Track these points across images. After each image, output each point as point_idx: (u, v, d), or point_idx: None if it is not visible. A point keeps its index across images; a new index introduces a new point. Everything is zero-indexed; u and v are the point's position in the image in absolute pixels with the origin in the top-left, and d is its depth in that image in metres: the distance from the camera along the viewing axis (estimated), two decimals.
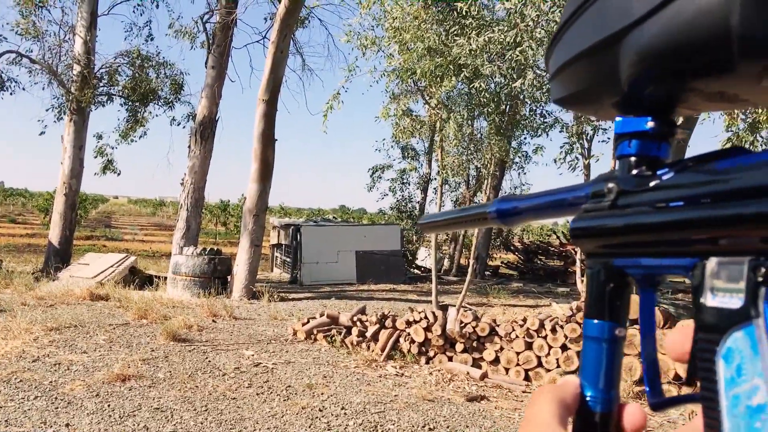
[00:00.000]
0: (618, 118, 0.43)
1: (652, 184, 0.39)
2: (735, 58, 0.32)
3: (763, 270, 0.31)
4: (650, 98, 0.40)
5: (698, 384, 0.35)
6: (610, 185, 0.42)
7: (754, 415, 0.30)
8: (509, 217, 0.52)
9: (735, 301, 0.32)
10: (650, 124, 0.40)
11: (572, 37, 0.43)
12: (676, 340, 0.38)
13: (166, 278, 11.75)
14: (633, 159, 0.41)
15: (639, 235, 0.39)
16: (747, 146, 6.87)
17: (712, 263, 0.34)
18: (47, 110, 15.05)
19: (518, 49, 7.72)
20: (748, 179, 0.32)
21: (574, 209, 0.45)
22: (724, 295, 0.33)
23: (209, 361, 6.35)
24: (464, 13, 8.14)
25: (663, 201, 0.37)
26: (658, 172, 0.40)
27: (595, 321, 0.42)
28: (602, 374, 0.41)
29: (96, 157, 16.71)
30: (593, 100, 0.44)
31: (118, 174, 17.25)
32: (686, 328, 0.38)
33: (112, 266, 12.03)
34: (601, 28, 0.39)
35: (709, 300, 0.34)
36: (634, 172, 0.41)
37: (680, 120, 0.43)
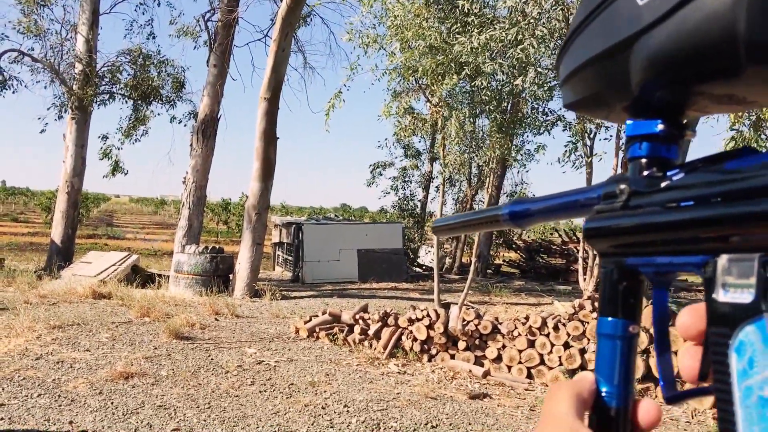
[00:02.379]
0: (629, 121, 0.44)
1: (663, 184, 0.40)
2: (742, 63, 0.33)
3: None
4: (660, 101, 0.41)
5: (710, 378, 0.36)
6: (622, 186, 0.43)
7: (767, 405, 0.32)
8: (521, 219, 0.53)
9: (746, 296, 0.33)
10: (660, 126, 0.41)
11: (582, 43, 0.44)
12: (687, 321, 0.39)
13: (168, 276, 11.76)
14: (644, 161, 0.42)
15: (651, 234, 0.40)
16: (753, 145, 6.86)
17: (723, 260, 0.35)
18: (48, 108, 15.04)
19: (519, 47, 7.71)
20: (758, 178, 0.33)
21: (586, 210, 0.46)
22: (735, 290, 0.34)
23: (212, 359, 6.36)
24: (466, 11, 8.14)
25: (674, 201, 0.38)
26: (669, 173, 0.41)
27: (609, 319, 0.43)
28: (617, 370, 0.43)
29: (102, 159, 16.71)
30: (604, 104, 0.45)
31: (125, 174, 17.25)
32: (696, 308, 0.39)
33: (114, 264, 12.04)
34: (611, 35, 0.40)
35: (721, 295, 0.35)
36: (645, 173, 0.42)
37: (692, 123, 0.44)
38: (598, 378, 0.43)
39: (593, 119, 8.42)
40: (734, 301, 0.34)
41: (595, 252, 0.46)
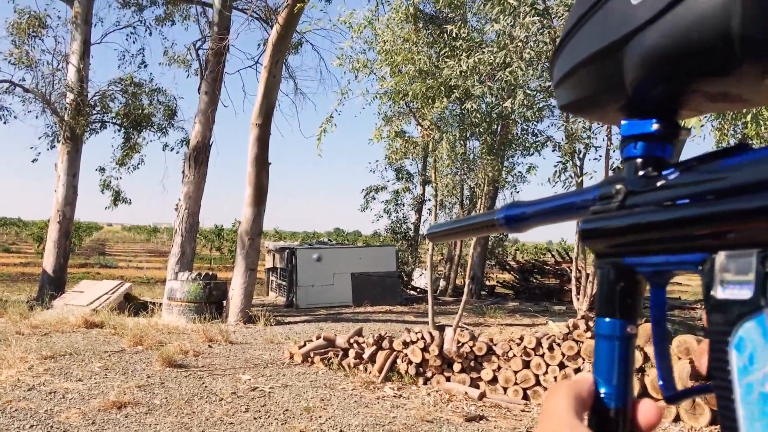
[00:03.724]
0: (623, 121, 0.44)
1: (658, 183, 0.40)
2: (737, 60, 0.33)
3: None
4: (654, 101, 0.41)
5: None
6: (618, 186, 0.43)
7: None
8: (517, 222, 0.53)
9: (745, 292, 0.33)
10: (655, 126, 0.42)
11: (576, 44, 0.44)
12: (704, 361, 0.39)
13: (161, 304, 11.66)
14: (639, 160, 0.42)
15: (648, 233, 0.40)
16: None
17: (721, 257, 0.35)
18: (40, 138, 15.03)
19: (508, 69, 7.79)
20: (753, 174, 0.33)
21: (582, 212, 0.46)
22: (734, 287, 0.34)
23: (206, 387, 6.29)
24: (454, 35, 8.23)
25: (670, 199, 0.38)
26: (664, 173, 0.41)
27: (607, 319, 0.43)
28: (615, 371, 0.42)
29: (103, 191, 16.74)
30: (599, 104, 0.46)
31: (129, 203, 17.25)
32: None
33: (106, 293, 11.94)
34: (605, 35, 0.40)
35: (720, 292, 0.35)
36: (641, 173, 0.42)
37: (685, 123, 0.44)
38: (597, 379, 0.43)
39: (581, 138, 8.49)
40: (733, 298, 0.34)
41: (588, 270, 0.46)
